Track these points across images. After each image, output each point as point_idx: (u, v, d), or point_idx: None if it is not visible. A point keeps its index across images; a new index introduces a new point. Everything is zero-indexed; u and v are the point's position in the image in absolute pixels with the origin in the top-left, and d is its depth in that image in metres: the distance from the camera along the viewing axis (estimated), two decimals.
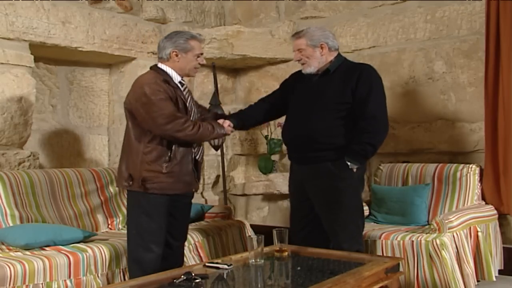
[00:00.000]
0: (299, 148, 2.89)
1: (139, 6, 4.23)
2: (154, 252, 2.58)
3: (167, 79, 2.63)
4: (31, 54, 3.50)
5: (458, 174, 3.50)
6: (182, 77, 2.73)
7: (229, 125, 2.84)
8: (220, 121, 2.84)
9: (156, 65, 2.73)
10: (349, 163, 2.74)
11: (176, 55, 2.67)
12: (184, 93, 2.70)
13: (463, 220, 3.10)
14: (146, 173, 2.56)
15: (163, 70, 2.68)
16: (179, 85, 2.70)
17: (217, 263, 2.32)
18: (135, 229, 2.62)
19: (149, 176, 2.56)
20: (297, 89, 3.02)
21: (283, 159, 4.62)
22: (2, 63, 3.33)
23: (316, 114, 2.82)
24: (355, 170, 2.78)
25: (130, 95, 2.64)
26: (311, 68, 2.87)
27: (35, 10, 3.51)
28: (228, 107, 4.83)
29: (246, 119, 3.05)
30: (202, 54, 2.75)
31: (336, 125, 2.78)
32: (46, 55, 3.84)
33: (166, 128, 2.52)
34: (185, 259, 3.19)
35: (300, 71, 3.09)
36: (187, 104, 2.68)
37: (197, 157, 2.73)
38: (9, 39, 3.37)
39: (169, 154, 2.58)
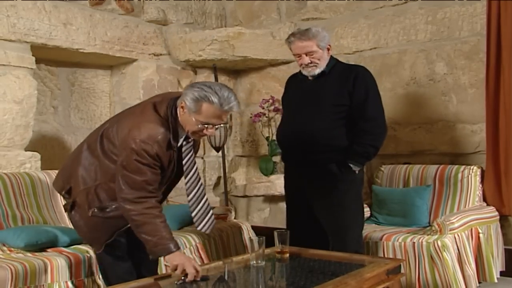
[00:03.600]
0: (297, 151, 2.86)
1: (140, 7, 4.24)
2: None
3: (172, 142, 2.16)
4: (33, 55, 3.50)
5: (459, 175, 3.50)
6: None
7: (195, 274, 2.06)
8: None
9: (176, 106, 2.18)
10: (352, 165, 2.74)
11: (182, 108, 2.14)
12: (184, 153, 2.29)
13: (464, 221, 3.10)
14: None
15: (175, 120, 2.17)
16: (182, 142, 2.27)
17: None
18: None
19: None
20: (291, 92, 3.01)
21: None
22: (3, 65, 3.33)
23: (314, 116, 2.79)
24: (357, 172, 2.78)
25: (125, 128, 2.15)
26: (319, 70, 2.83)
27: (36, 11, 3.52)
28: None
29: None
30: (211, 125, 2.12)
31: (335, 126, 2.77)
32: (47, 57, 3.84)
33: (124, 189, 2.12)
34: None
35: (293, 76, 3.08)
36: (175, 166, 2.26)
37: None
38: (10, 40, 3.38)
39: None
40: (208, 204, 2.41)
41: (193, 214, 2.37)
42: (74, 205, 2.31)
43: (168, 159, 2.19)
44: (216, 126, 2.16)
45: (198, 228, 2.39)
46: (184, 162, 2.29)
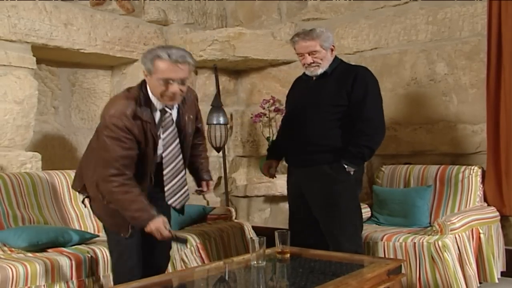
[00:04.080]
0: (296, 151, 2.89)
1: (141, 7, 4.24)
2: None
3: (140, 113, 2.21)
4: (33, 56, 3.51)
5: (460, 175, 3.50)
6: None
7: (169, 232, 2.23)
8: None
9: (145, 81, 2.31)
10: (346, 166, 2.74)
11: (146, 76, 2.27)
12: (164, 128, 2.31)
13: (465, 222, 3.10)
14: None
15: (145, 94, 2.27)
16: (157, 115, 2.29)
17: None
18: None
19: None
20: (294, 92, 3.05)
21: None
22: (4, 65, 3.33)
23: (311, 116, 2.81)
24: (352, 172, 2.78)
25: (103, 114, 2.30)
26: (321, 70, 2.84)
27: (37, 12, 3.52)
28: (230, 109, 4.84)
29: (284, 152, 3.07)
30: (173, 80, 2.19)
31: (332, 127, 2.78)
32: (48, 57, 3.85)
33: (97, 169, 2.24)
34: (187, 260, 3.20)
35: (298, 77, 3.10)
36: (157, 140, 2.29)
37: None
38: (11, 41, 3.38)
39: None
40: (184, 180, 2.41)
41: (165, 189, 2.38)
42: (90, 198, 2.43)
43: (143, 133, 2.22)
44: (180, 82, 2.20)
45: (169, 203, 2.41)
46: (163, 136, 2.31)
